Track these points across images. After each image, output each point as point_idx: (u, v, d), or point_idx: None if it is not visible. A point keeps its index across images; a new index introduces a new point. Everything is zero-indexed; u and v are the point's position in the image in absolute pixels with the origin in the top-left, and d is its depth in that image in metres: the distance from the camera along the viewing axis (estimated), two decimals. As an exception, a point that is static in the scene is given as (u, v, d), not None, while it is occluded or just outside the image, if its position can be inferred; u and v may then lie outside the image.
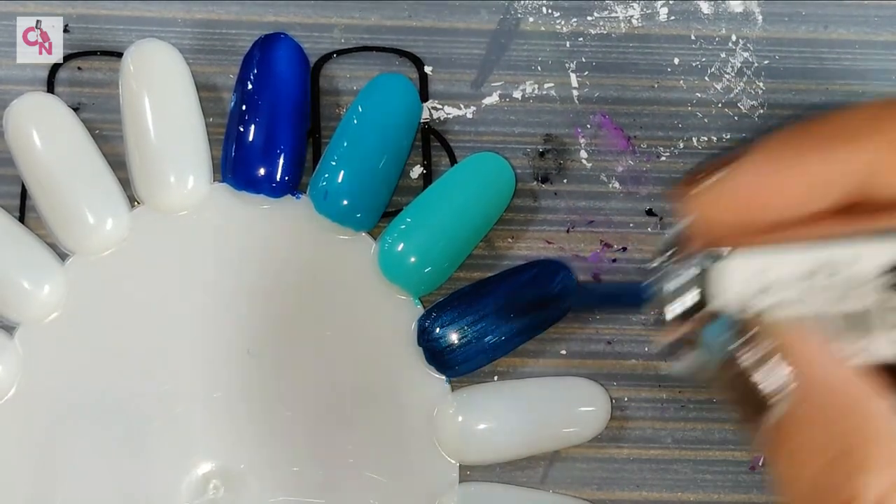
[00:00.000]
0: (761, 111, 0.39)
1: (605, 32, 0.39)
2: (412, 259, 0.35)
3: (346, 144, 0.35)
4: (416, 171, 0.38)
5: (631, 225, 0.38)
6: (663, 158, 0.38)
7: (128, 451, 0.34)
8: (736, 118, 0.39)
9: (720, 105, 0.39)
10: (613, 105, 0.39)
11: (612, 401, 0.36)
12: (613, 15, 0.39)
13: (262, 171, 0.35)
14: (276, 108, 0.36)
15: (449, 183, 0.36)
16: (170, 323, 0.35)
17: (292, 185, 0.36)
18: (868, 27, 0.40)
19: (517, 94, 0.38)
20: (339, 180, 0.35)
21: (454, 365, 0.35)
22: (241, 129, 0.36)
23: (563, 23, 0.39)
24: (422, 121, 0.38)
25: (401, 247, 0.35)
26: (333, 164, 0.35)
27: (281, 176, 0.36)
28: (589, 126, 0.38)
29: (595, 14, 0.39)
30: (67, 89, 0.38)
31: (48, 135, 0.35)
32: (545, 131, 0.38)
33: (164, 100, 0.36)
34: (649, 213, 0.38)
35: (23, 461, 0.34)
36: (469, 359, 0.35)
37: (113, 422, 0.35)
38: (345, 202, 0.35)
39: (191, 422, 0.35)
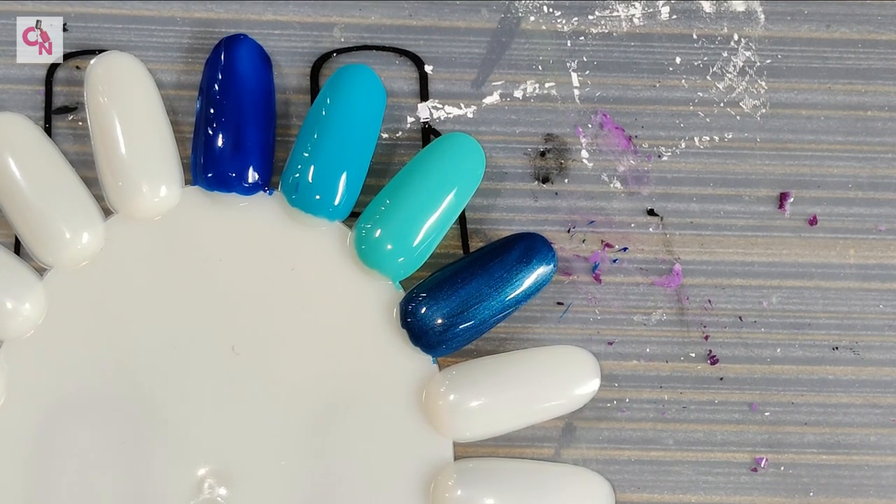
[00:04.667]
0: (763, 111, 0.39)
1: (606, 31, 0.39)
2: (388, 245, 0.35)
3: (314, 137, 0.35)
4: (417, 170, 0.37)
5: (632, 225, 0.38)
6: (665, 158, 0.38)
7: (120, 458, 0.34)
8: (738, 118, 0.38)
9: (722, 104, 0.39)
10: (615, 104, 0.38)
11: (600, 367, 0.36)
12: (615, 14, 0.39)
13: (232, 172, 0.35)
14: (241, 108, 0.36)
15: (419, 166, 0.36)
16: (153, 327, 0.35)
17: (263, 183, 0.36)
18: (871, 26, 0.39)
19: (518, 94, 0.38)
20: (310, 172, 0.35)
21: (440, 344, 0.35)
22: (210, 132, 0.36)
23: (564, 22, 0.39)
24: (422, 120, 0.38)
25: (378, 233, 0.35)
26: (305, 156, 0.35)
27: (252, 174, 0.36)
28: (590, 125, 0.38)
29: (596, 13, 0.39)
30: (65, 88, 0.37)
31: (19, 155, 0.35)
32: (546, 131, 0.38)
33: (132, 111, 0.36)
34: (650, 212, 0.38)
35: (13, 476, 0.34)
36: (455, 337, 0.35)
37: (103, 429, 0.34)
38: (317, 196, 0.35)
39: (181, 424, 0.35)
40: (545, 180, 0.38)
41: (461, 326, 0.35)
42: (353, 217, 0.36)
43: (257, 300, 0.36)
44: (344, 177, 0.35)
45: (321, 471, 0.35)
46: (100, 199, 0.36)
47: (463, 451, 0.35)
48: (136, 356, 0.35)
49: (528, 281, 0.35)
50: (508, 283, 0.35)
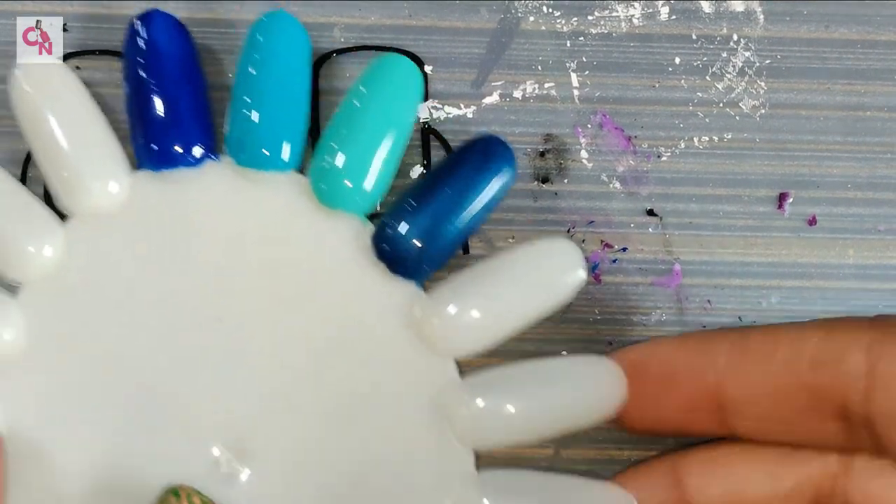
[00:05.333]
0: (763, 111, 0.39)
1: (605, 32, 0.39)
2: (347, 182, 0.35)
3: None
4: (416, 171, 0.37)
5: (632, 225, 0.38)
6: (664, 158, 0.38)
7: (133, 429, 0.34)
8: (737, 118, 0.38)
9: (721, 105, 0.39)
10: (614, 105, 0.38)
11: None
12: (614, 14, 0.39)
13: (175, 145, 0.35)
14: (169, 81, 0.35)
15: (358, 98, 0.36)
16: (144, 311, 0.35)
17: (209, 150, 0.36)
18: (870, 26, 0.39)
19: (517, 94, 0.38)
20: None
21: (420, 266, 0.35)
22: (144, 113, 0.35)
23: (563, 22, 0.39)
24: (422, 120, 0.38)
25: (334, 170, 0.35)
26: (245, 113, 0.35)
27: (196, 144, 0.35)
28: (589, 126, 0.38)
29: (596, 13, 0.39)
30: (66, 88, 0.37)
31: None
32: (545, 131, 0.38)
33: (66, 112, 0.35)
34: (650, 213, 0.38)
35: (26, 430, 0.34)
36: (433, 256, 0.35)
37: (113, 399, 0.34)
38: (265, 151, 0.35)
39: (193, 398, 0.34)
40: (545, 180, 0.38)
41: (437, 244, 0.35)
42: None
43: (235, 267, 0.35)
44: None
45: (329, 413, 0.34)
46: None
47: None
48: (137, 341, 0.35)
49: (493, 185, 0.35)
50: (472, 189, 0.35)
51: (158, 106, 0.35)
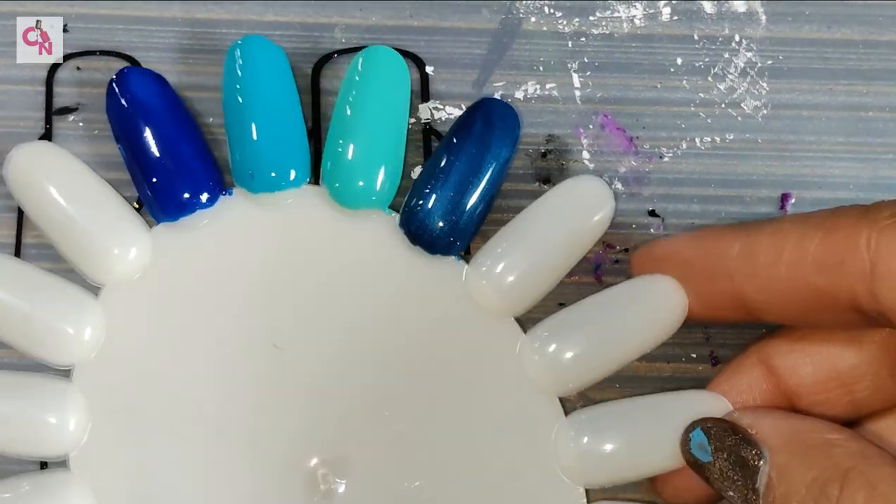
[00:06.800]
0: (765, 112, 0.39)
1: (607, 32, 0.39)
2: (361, 183, 0.35)
3: (243, 120, 0.35)
4: (417, 171, 0.37)
5: (633, 226, 0.38)
6: (666, 159, 0.38)
7: (216, 449, 0.34)
8: (739, 118, 0.38)
9: (723, 105, 0.39)
10: (616, 105, 0.38)
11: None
12: (616, 15, 0.39)
13: (185, 193, 0.35)
14: (161, 133, 0.35)
15: (352, 92, 0.36)
16: (210, 345, 0.35)
17: (220, 188, 0.36)
18: (872, 27, 0.39)
19: (519, 95, 0.38)
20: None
21: (456, 241, 0.35)
22: (140, 166, 0.35)
23: (565, 22, 0.39)
24: (423, 121, 0.38)
25: (345, 169, 0.35)
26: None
27: (202, 187, 0.35)
28: (591, 126, 0.38)
29: (597, 14, 0.39)
30: (66, 89, 0.37)
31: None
32: (547, 132, 0.38)
33: (69, 190, 0.35)
34: (652, 213, 0.38)
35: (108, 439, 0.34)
36: (465, 228, 0.35)
37: (200, 425, 0.35)
38: (273, 174, 0.35)
39: (283, 418, 0.35)
40: (546, 181, 0.38)
41: (465, 216, 0.35)
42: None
43: (288, 294, 0.36)
44: (289, 143, 0.35)
45: (425, 431, 0.35)
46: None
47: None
48: (218, 358, 0.35)
49: (502, 144, 0.36)
50: (485, 155, 0.35)
51: (155, 160, 0.35)
